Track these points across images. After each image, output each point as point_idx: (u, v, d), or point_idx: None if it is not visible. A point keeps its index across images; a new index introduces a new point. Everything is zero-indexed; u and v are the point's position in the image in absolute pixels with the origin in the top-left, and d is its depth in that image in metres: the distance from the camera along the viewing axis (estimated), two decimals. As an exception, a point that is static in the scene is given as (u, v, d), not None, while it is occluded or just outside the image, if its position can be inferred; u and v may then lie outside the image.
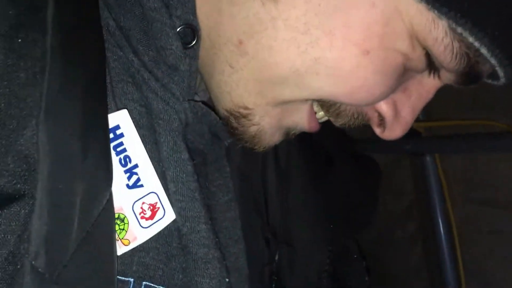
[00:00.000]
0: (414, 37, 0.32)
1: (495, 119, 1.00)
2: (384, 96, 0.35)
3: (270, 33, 0.32)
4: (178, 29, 0.33)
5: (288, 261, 0.49)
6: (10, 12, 0.24)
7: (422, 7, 0.30)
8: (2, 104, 0.23)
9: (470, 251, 1.11)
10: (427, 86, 0.37)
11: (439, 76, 0.35)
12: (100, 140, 0.29)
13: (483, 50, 0.31)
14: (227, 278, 0.36)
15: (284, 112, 0.37)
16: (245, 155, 0.47)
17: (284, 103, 0.36)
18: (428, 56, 0.33)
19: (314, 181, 0.54)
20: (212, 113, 0.38)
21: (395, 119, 0.37)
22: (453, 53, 0.31)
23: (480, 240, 1.09)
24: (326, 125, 0.41)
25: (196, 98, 0.38)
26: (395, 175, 1.25)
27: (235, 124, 0.37)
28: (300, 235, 0.51)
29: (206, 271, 0.35)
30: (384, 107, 0.36)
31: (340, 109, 0.37)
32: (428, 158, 1.10)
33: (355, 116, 0.37)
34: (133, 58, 0.34)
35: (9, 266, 0.24)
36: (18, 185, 0.24)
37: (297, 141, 0.52)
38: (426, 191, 1.13)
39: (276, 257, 0.48)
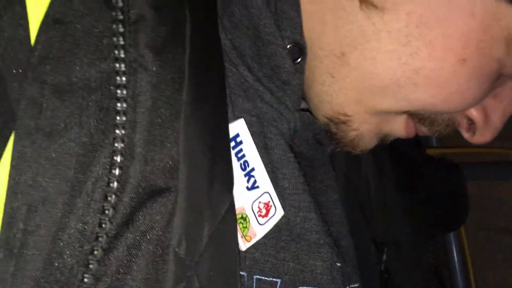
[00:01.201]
0: (511, 44, 0.33)
1: (509, 147, 1.03)
2: (476, 102, 0.36)
3: (373, 45, 0.34)
4: (288, 48, 0.36)
5: (396, 259, 0.51)
6: (162, 29, 0.27)
7: None
8: (156, 110, 0.26)
9: (485, 279, 1.12)
10: None
11: None
12: (224, 147, 0.31)
13: None
14: (338, 263, 0.38)
15: (382, 121, 0.39)
16: (349, 160, 0.49)
17: (382, 112, 0.38)
18: None
19: (409, 185, 0.56)
20: (317, 121, 0.40)
21: (486, 124, 0.38)
22: None
23: (495, 268, 1.10)
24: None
25: (305, 106, 0.41)
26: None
27: (334, 130, 0.39)
28: (405, 233, 0.53)
29: (318, 254, 0.37)
30: (474, 112, 0.37)
31: (435, 119, 0.38)
32: (442, 185, 1.12)
33: (447, 123, 0.39)
34: (248, 74, 0.36)
35: (159, 250, 0.26)
36: (167, 181, 0.27)
37: (389, 151, 0.55)
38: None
39: (384, 257, 0.50)
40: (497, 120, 0.38)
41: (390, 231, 0.52)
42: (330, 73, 0.36)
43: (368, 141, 0.40)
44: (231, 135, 0.33)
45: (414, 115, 0.38)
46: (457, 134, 1.06)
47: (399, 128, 0.40)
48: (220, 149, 0.31)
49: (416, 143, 0.58)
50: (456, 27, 0.32)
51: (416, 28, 0.32)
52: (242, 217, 0.33)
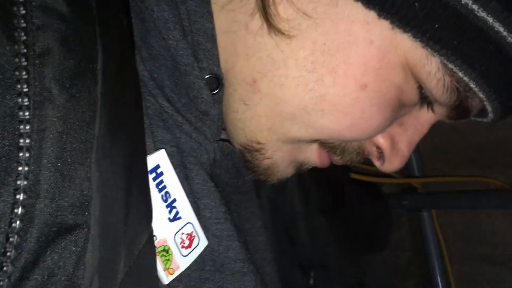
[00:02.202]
0: (408, 71, 0.35)
1: (491, 176, 1.02)
2: (381, 129, 0.37)
3: (282, 72, 0.35)
4: (205, 79, 0.37)
5: (324, 283, 0.51)
6: (70, 62, 0.26)
7: (417, 44, 0.33)
8: (64, 145, 0.26)
9: (470, 309, 1.10)
10: (421, 120, 0.39)
11: (432, 110, 0.38)
12: (141, 179, 0.31)
13: (472, 85, 0.33)
14: None
15: (295, 149, 0.40)
16: (274, 186, 0.49)
17: (294, 140, 0.39)
18: (421, 89, 0.36)
19: (331, 212, 0.57)
20: (236, 151, 0.40)
21: (393, 151, 0.39)
22: (444, 86, 0.34)
23: (481, 298, 1.09)
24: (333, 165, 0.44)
25: (224, 136, 0.41)
26: (394, 231, 1.26)
27: (249, 158, 0.40)
28: (332, 256, 0.54)
29: (243, 283, 0.37)
30: (381, 140, 0.39)
31: (345, 148, 0.39)
32: (425, 214, 1.11)
33: (357, 151, 0.40)
34: (167, 105, 0.37)
35: None
36: (77, 217, 0.26)
37: (313, 175, 0.56)
38: (424, 247, 1.13)
39: (311, 281, 0.50)
40: (404, 148, 0.39)
41: (316, 254, 0.53)
42: (243, 101, 0.37)
43: (283, 170, 0.41)
44: (151, 166, 0.33)
45: (324, 144, 0.39)
46: (438, 163, 1.06)
47: (312, 156, 0.41)
48: (137, 181, 0.30)
49: (343, 166, 0.60)
50: (356, 55, 0.34)
51: (320, 55, 0.34)
52: (164, 250, 0.33)
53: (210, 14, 0.36)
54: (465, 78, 0.33)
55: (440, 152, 1.11)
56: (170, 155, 0.36)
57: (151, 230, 0.31)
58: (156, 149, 0.35)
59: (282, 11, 0.34)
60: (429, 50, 0.33)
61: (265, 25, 0.35)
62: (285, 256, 0.48)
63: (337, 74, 0.34)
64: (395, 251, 1.24)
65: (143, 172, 0.32)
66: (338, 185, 0.61)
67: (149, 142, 0.35)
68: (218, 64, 0.37)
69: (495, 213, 1.06)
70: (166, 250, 0.33)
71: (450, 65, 0.33)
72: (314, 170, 0.45)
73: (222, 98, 0.38)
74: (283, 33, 0.34)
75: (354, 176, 1.06)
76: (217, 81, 0.37)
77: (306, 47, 0.34)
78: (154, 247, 0.31)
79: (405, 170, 1.16)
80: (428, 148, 1.12)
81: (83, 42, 0.27)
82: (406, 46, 0.33)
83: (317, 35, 0.34)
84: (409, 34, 0.32)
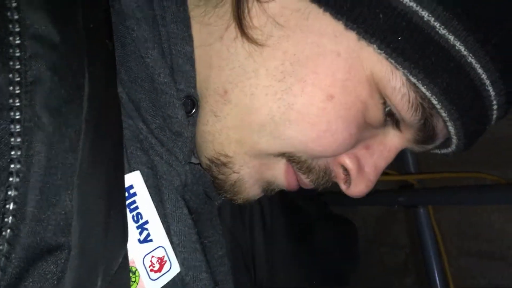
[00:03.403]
0: (374, 86, 0.35)
1: (485, 172, 1.02)
2: (346, 145, 0.37)
3: (252, 82, 0.35)
4: (182, 100, 0.37)
5: None
6: (60, 91, 0.27)
7: (382, 57, 0.33)
8: (50, 169, 0.27)
9: (468, 305, 1.10)
10: (388, 146, 0.39)
11: (399, 129, 0.38)
12: (119, 201, 0.32)
13: (434, 101, 0.34)
14: None
15: (262, 165, 0.40)
16: (234, 216, 0.50)
17: (261, 155, 0.38)
18: (385, 106, 0.36)
19: (297, 241, 0.57)
20: (208, 175, 0.40)
21: (359, 174, 0.39)
22: (409, 102, 0.34)
23: (478, 294, 1.09)
24: (304, 191, 0.44)
25: (195, 160, 0.41)
26: (390, 228, 1.26)
27: (216, 173, 0.40)
28: (292, 285, 0.53)
29: None
30: (347, 161, 0.39)
31: (311, 165, 0.39)
32: (421, 210, 1.11)
33: (324, 171, 0.40)
34: (142, 126, 0.37)
35: None
36: (58, 239, 0.27)
37: (281, 204, 0.56)
38: (420, 243, 1.13)
39: None
40: (370, 172, 0.39)
41: (276, 284, 0.52)
42: (213, 112, 0.38)
43: (250, 188, 0.41)
44: (125, 185, 0.34)
45: (292, 160, 0.39)
46: (434, 159, 1.06)
47: (279, 175, 0.41)
48: (116, 202, 0.31)
49: (316, 198, 0.59)
50: (324, 66, 0.34)
51: (290, 65, 0.35)
52: (131, 271, 0.33)
53: (190, 37, 0.37)
54: (427, 93, 0.33)
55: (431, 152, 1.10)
56: (146, 177, 0.36)
57: (126, 251, 0.31)
58: (131, 170, 0.35)
59: (256, 21, 0.35)
60: (393, 63, 0.33)
61: (239, 36, 0.35)
62: (243, 286, 0.48)
63: (305, 84, 0.34)
64: (392, 249, 1.24)
65: (121, 194, 0.32)
66: (307, 216, 0.61)
67: (124, 162, 0.35)
68: (195, 86, 0.37)
69: (491, 208, 1.06)
70: (133, 272, 0.33)
71: (413, 79, 0.33)
72: (280, 197, 0.45)
73: (196, 120, 0.38)
74: (256, 42, 0.35)
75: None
76: (192, 103, 0.38)
77: (277, 57, 0.35)
78: (128, 267, 0.31)
79: (401, 167, 1.16)
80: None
81: (73, 70, 0.28)
82: (372, 60, 0.34)
83: (288, 46, 0.34)
84: (374, 46, 0.33)
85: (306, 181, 0.40)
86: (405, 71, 0.33)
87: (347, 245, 0.66)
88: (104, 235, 0.29)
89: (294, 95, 0.35)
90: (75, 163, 0.28)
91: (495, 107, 0.36)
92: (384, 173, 1.12)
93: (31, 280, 0.26)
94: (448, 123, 0.35)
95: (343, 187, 0.40)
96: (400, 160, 1.16)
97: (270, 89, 0.35)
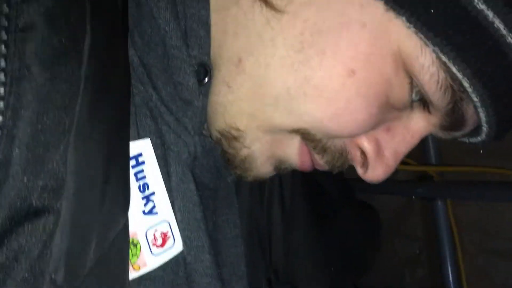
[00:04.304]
0: (401, 63, 0.32)
1: (510, 168, 0.98)
2: (366, 126, 0.35)
3: (269, 51, 0.33)
4: (194, 67, 0.35)
5: None
6: (54, 40, 0.25)
7: (411, 32, 0.31)
8: (40, 125, 0.25)
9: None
10: (412, 130, 0.37)
11: (429, 111, 0.35)
12: (121, 166, 0.30)
13: (466, 84, 0.31)
14: None
15: (274, 142, 0.37)
16: (252, 194, 0.47)
17: (274, 130, 0.36)
18: (412, 87, 0.34)
19: (317, 225, 0.54)
20: (218, 148, 0.38)
21: (378, 158, 0.36)
22: (438, 83, 0.32)
23: (493, 293, 1.07)
24: (330, 174, 0.41)
25: (206, 132, 0.39)
26: (406, 219, 1.24)
27: (226, 147, 0.38)
28: (303, 276, 0.51)
29: None
30: (366, 143, 0.36)
31: (327, 145, 0.37)
32: (439, 203, 1.09)
33: (340, 152, 0.37)
34: (152, 93, 0.35)
35: (31, 277, 0.24)
36: (47, 201, 0.25)
37: (303, 185, 0.53)
38: (436, 237, 1.11)
39: None
40: (389, 157, 0.36)
41: (289, 272, 0.50)
42: (226, 82, 0.36)
43: (261, 165, 0.39)
44: (133, 153, 0.32)
45: (306, 138, 0.36)
46: (456, 151, 1.03)
47: (292, 153, 0.38)
48: (117, 168, 0.29)
49: (339, 177, 0.56)
50: (346, 38, 0.32)
51: (310, 35, 0.32)
52: (132, 243, 0.31)
53: (206, 1, 0.35)
54: (458, 75, 0.31)
55: (459, 140, 1.07)
56: (155, 146, 0.34)
57: (126, 219, 0.29)
58: (140, 138, 0.33)
59: None
60: (422, 38, 0.30)
61: (257, 1, 0.33)
62: (256, 270, 0.45)
63: (325, 56, 0.32)
64: (406, 239, 1.22)
65: (125, 159, 0.31)
66: (327, 197, 0.58)
67: (133, 130, 0.34)
68: (208, 54, 0.35)
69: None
70: (135, 244, 0.31)
71: (444, 57, 0.30)
72: (302, 178, 0.42)
73: (208, 90, 0.36)
74: (275, 8, 0.33)
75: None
76: (205, 72, 0.36)
77: (297, 26, 0.33)
78: (128, 237, 0.30)
79: (422, 157, 1.13)
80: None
81: (71, 20, 0.26)
82: (400, 34, 0.31)
83: (309, 14, 0.32)
84: (403, 18, 0.30)
85: (321, 162, 0.38)
86: (436, 48, 0.30)
87: (368, 232, 0.63)
88: (101, 201, 0.27)
89: (312, 68, 0.32)
90: (71, 121, 0.26)
91: None
92: (403, 162, 1.12)
93: (15, 243, 0.24)
94: (480, 109, 0.32)
95: (359, 171, 0.38)
96: (421, 150, 1.13)
97: (287, 60, 0.33)
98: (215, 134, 0.38)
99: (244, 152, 0.37)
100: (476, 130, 0.36)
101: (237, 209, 0.41)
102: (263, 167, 0.39)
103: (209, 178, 0.39)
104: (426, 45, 0.31)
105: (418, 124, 0.36)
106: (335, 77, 0.32)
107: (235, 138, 0.37)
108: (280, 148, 0.38)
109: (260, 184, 0.46)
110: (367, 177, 0.37)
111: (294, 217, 0.52)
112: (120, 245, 0.29)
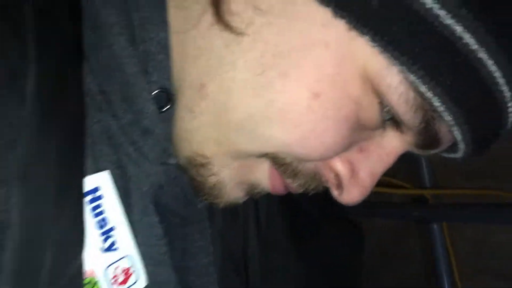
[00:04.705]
0: (368, 83, 0.31)
1: (505, 189, 0.98)
2: (337, 149, 0.33)
3: (230, 75, 0.32)
4: (153, 94, 0.34)
5: None
6: None
7: (376, 51, 0.29)
8: None
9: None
10: (386, 149, 0.35)
11: (401, 130, 0.34)
12: (75, 204, 0.29)
13: (437, 103, 0.30)
14: None
15: (244, 167, 0.36)
16: (226, 219, 0.46)
17: (242, 156, 0.35)
18: (382, 106, 0.32)
19: (296, 245, 0.53)
20: (184, 176, 0.37)
21: (352, 179, 0.35)
22: (407, 103, 0.30)
23: (491, 316, 1.05)
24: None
25: (172, 161, 0.38)
26: (403, 242, 1.23)
27: (194, 174, 0.37)
28: None
29: None
30: (339, 165, 0.35)
31: (298, 168, 0.35)
32: (435, 226, 1.08)
33: (313, 176, 0.36)
34: (112, 122, 0.34)
35: None
36: None
37: (280, 204, 0.52)
38: (433, 260, 1.10)
39: None
40: (365, 178, 0.35)
41: None
42: (189, 108, 0.34)
43: (231, 191, 0.37)
44: (89, 187, 0.31)
45: (276, 163, 0.35)
46: (449, 174, 1.02)
47: (263, 178, 0.37)
48: (68, 206, 0.28)
49: (322, 197, 0.55)
50: (309, 59, 0.31)
51: (272, 57, 0.31)
52: (90, 283, 0.30)
53: (164, 23, 0.33)
54: (428, 94, 0.29)
55: (452, 162, 1.07)
56: (116, 178, 0.33)
57: (81, 261, 0.28)
58: (99, 170, 0.32)
59: (235, 6, 0.31)
60: (388, 57, 0.29)
61: (215, 23, 0.32)
62: None
63: (288, 79, 0.31)
64: (405, 262, 1.20)
65: (79, 196, 0.30)
66: (306, 215, 0.56)
67: (90, 161, 0.32)
68: (169, 78, 0.34)
69: (508, 227, 1.01)
70: (93, 284, 0.30)
71: (412, 77, 0.29)
72: (279, 198, 0.42)
73: (171, 116, 0.35)
74: (234, 30, 0.31)
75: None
76: (167, 98, 0.34)
77: (258, 48, 0.31)
78: (81, 279, 0.29)
79: (416, 181, 1.12)
80: (440, 157, 1.08)
81: (8, 55, 0.25)
82: (365, 54, 0.30)
83: (270, 35, 0.31)
84: (367, 37, 0.29)
85: (293, 186, 0.37)
86: (403, 67, 0.29)
87: (352, 251, 0.62)
88: (50, 244, 0.26)
89: (275, 91, 0.31)
90: (12, 163, 0.25)
91: (510, 109, 0.31)
92: (399, 186, 1.11)
93: None
94: (454, 128, 0.31)
95: (335, 193, 0.36)
96: (415, 173, 1.12)
97: (249, 83, 0.32)
98: (183, 161, 0.37)
99: (212, 179, 0.36)
100: (453, 146, 0.35)
101: (209, 235, 0.40)
102: (233, 193, 0.38)
103: (177, 206, 0.38)
104: (393, 64, 0.29)
105: (392, 143, 0.35)
106: (299, 100, 0.31)
107: (203, 166, 0.36)
108: (250, 173, 0.37)
109: (234, 207, 0.44)
110: (343, 199, 0.36)
111: (271, 238, 0.50)
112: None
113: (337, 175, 0.36)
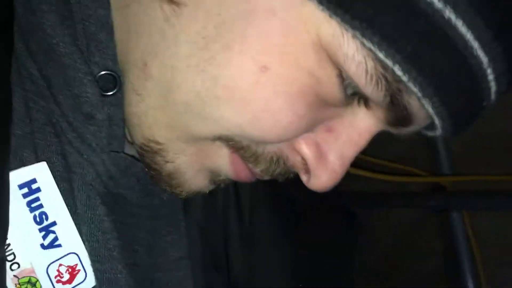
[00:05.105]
0: (324, 53, 0.28)
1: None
2: (296, 128, 0.30)
3: (173, 51, 0.30)
4: (97, 76, 0.31)
5: None
6: None
7: (326, 15, 0.26)
8: None
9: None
10: (358, 128, 0.32)
11: (367, 107, 0.31)
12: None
13: (398, 71, 0.26)
14: None
15: (201, 152, 0.34)
16: (205, 209, 0.43)
17: (196, 140, 0.33)
18: (342, 78, 0.29)
19: (282, 235, 0.50)
20: (139, 164, 0.35)
21: (320, 163, 0.32)
22: (367, 73, 0.27)
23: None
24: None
25: (119, 148, 0.35)
26: (422, 234, 1.19)
27: (148, 161, 0.34)
28: None
29: None
30: (304, 147, 0.32)
31: (257, 153, 0.32)
32: (454, 215, 1.04)
33: (275, 160, 0.33)
34: (54, 108, 0.32)
35: None
36: None
37: (263, 190, 0.49)
38: (454, 252, 1.06)
39: None
40: (335, 161, 0.32)
41: (255, 284, 0.45)
42: (135, 90, 0.32)
43: (192, 180, 0.35)
44: (24, 180, 0.29)
45: (232, 146, 0.32)
46: (469, 160, 0.99)
47: (224, 163, 0.34)
48: None
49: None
50: (255, 29, 0.28)
51: (214, 28, 0.28)
52: (29, 282, 0.28)
53: None
54: (387, 62, 0.26)
55: (472, 147, 1.03)
56: (57, 169, 0.31)
57: (2, 255, 0.26)
58: (39, 161, 0.30)
59: None
60: (339, 21, 0.26)
61: None
62: None
63: (232, 52, 0.28)
64: (424, 255, 1.16)
65: (3, 188, 0.27)
66: (293, 202, 0.53)
67: (28, 152, 0.30)
68: (114, 59, 0.32)
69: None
70: (33, 283, 0.28)
71: (368, 43, 0.26)
72: (263, 184, 0.38)
73: (119, 100, 0.33)
74: (175, 2, 0.29)
75: (377, 176, 1.01)
76: (113, 80, 0.32)
77: (199, 19, 0.29)
78: (4, 275, 0.26)
79: (434, 168, 1.08)
80: (459, 142, 1.03)
81: None
82: (317, 20, 0.27)
83: (211, 5, 0.28)
84: (315, 0, 0.26)
85: (256, 171, 0.34)
86: (355, 32, 0.26)
87: (343, 238, 0.58)
88: None
89: (219, 66, 0.29)
90: None
91: (490, 77, 0.28)
92: (414, 174, 1.07)
93: None
94: (423, 100, 0.28)
95: (303, 178, 0.33)
96: (432, 160, 1.08)
97: (192, 59, 0.29)
98: (137, 148, 0.35)
99: (168, 167, 0.34)
100: (432, 123, 0.31)
101: (184, 228, 0.38)
102: (195, 182, 0.35)
103: (135, 197, 0.35)
104: (346, 29, 0.26)
105: (364, 122, 0.32)
106: (245, 76, 0.28)
107: (156, 152, 0.33)
108: (209, 159, 0.34)
109: (214, 197, 0.43)
110: (311, 185, 0.33)
111: (254, 227, 0.47)
112: None
113: (303, 159, 0.33)
